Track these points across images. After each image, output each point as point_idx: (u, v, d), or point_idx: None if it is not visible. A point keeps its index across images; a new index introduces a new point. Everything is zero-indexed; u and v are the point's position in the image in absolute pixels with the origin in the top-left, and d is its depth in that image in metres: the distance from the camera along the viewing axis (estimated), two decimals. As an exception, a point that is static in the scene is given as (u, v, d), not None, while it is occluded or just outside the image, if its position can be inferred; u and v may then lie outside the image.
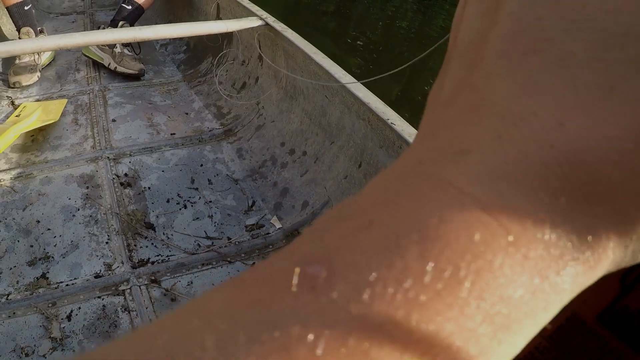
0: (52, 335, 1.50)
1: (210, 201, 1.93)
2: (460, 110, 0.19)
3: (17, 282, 1.62)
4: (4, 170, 2.02)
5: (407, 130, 1.51)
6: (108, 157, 2.09)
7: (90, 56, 2.79)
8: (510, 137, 0.17)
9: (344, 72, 1.85)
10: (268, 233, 1.84)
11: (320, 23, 4.97)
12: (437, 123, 0.20)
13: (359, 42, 4.76)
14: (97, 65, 2.78)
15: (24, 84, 2.56)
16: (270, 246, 1.79)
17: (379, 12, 5.50)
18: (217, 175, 2.06)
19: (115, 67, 2.69)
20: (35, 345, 1.47)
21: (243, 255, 1.76)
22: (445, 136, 0.19)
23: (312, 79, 1.98)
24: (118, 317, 1.55)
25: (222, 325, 0.15)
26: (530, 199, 0.16)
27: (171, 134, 2.28)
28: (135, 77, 2.71)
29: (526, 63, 0.18)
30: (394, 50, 4.71)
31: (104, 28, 2.77)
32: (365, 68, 4.23)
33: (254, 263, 1.73)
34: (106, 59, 2.73)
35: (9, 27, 2.93)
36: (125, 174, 2.02)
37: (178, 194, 1.95)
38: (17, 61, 2.57)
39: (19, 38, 2.63)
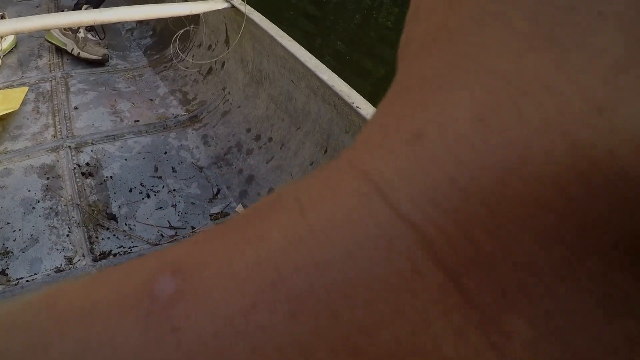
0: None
1: (174, 190, 1.93)
2: (429, 71, 0.14)
3: (-24, 279, 1.62)
4: None
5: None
6: (69, 147, 2.08)
7: (53, 42, 2.75)
8: (502, 123, 0.11)
9: (310, 55, 1.84)
10: (232, 221, 1.84)
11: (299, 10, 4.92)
12: (396, 90, 0.15)
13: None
14: (60, 52, 2.75)
15: None
16: None
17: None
18: (182, 162, 2.06)
19: (79, 53, 2.66)
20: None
21: None
22: (398, 111, 0.14)
23: (279, 63, 1.98)
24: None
25: None
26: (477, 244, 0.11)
27: (135, 121, 2.27)
28: (99, 63, 2.68)
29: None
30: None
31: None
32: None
33: None
34: (69, 45, 2.69)
35: None
36: (87, 164, 2.02)
37: (141, 183, 1.95)
38: None
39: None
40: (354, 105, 1.57)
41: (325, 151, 1.75)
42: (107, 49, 2.73)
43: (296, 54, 1.84)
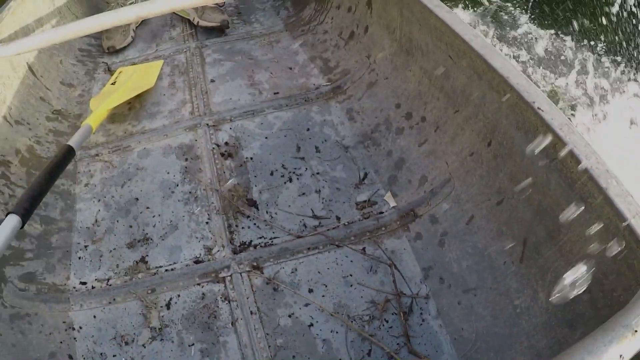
0: (151, 325, 1.51)
1: (318, 173, 1.84)
2: None
3: (117, 266, 1.65)
4: (101, 144, 2.05)
5: (558, 120, 1.27)
6: (207, 124, 2.06)
7: (178, 13, 2.76)
8: None
9: (474, 31, 1.60)
10: (381, 212, 1.72)
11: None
12: None
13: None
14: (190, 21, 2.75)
15: (117, 47, 2.59)
16: (383, 228, 1.68)
17: None
18: (325, 141, 1.96)
19: (198, 22, 2.64)
20: (135, 334, 1.50)
21: (352, 238, 1.66)
22: None
23: (433, 35, 1.78)
24: (218, 307, 1.52)
25: None
26: None
27: (274, 94, 2.20)
28: (220, 30, 2.64)
29: None
30: None
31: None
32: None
33: (364, 248, 1.63)
34: (192, 14, 2.68)
35: None
36: (226, 143, 1.98)
37: (282, 165, 1.88)
38: None
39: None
40: (535, 105, 1.33)
41: (489, 144, 1.55)
42: (225, 14, 2.67)
43: (456, 27, 1.63)
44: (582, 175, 1.18)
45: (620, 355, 0.77)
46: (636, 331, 0.80)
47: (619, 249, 1.10)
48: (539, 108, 1.31)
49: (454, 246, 1.57)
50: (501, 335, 1.37)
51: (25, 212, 1.41)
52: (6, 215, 1.37)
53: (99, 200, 1.84)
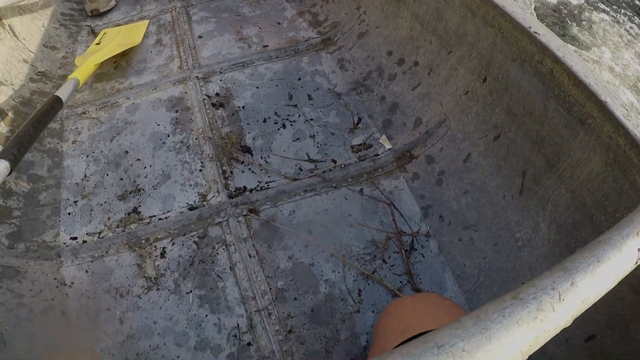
0: (146, 274, 1.44)
1: (311, 119, 1.77)
2: None
3: (109, 219, 1.58)
4: (88, 102, 1.97)
5: (555, 43, 1.24)
6: (197, 77, 1.98)
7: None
8: None
9: None
10: (377, 154, 1.66)
11: None
12: None
13: None
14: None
15: (102, 10, 2.50)
16: (380, 169, 1.62)
17: None
18: (317, 89, 1.89)
19: None
20: (129, 285, 1.43)
21: (350, 179, 1.60)
22: None
23: None
24: (215, 252, 1.46)
25: None
26: None
27: (264, 47, 2.13)
28: None
29: None
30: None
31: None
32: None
33: (362, 189, 1.57)
34: None
35: None
36: (217, 94, 1.90)
37: (275, 112, 1.81)
38: None
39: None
40: (531, 29, 1.29)
41: (484, 80, 1.50)
42: None
43: None
44: (581, 95, 1.14)
45: (638, 249, 0.73)
46: None
47: (620, 165, 1.07)
48: (535, 32, 1.28)
49: (452, 184, 1.52)
50: (504, 269, 1.33)
51: (14, 157, 1.34)
52: None
53: (87, 156, 1.76)
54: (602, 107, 1.09)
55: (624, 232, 0.75)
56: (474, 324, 0.62)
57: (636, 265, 0.75)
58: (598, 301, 1.22)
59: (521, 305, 0.63)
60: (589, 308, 1.16)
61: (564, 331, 1.30)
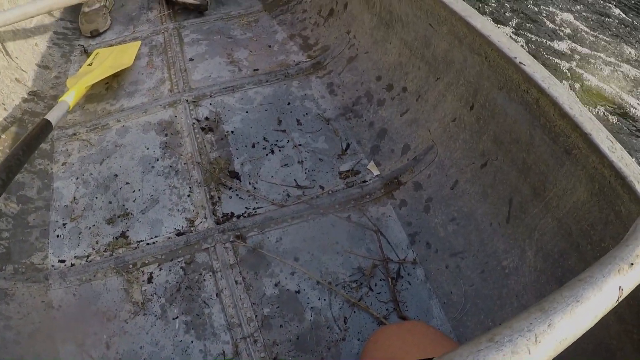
0: (133, 299, 1.44)
1: (300, 144, 1.78)
2: None
3: (97, 242, 1.57)
4: (79, 123, 1.97)
5: (540, 73, 1.25)
6: (187, 100, 1.99)
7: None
8: None
9: None
10: (365, 181, 1.67)
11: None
12: None
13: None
14: (169, 2, 2.66)
15: (101, 30, 2.50)
16: (368, 196, 1.63)
17: None
18: (307, 114, 1.90)
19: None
20: (116, 310, 1.43)
21: (337, 206, 1.61)
22: None
23: (413, 4, 1.74)
24: (202, 278, 1.46)
25: None
26: None
27: (254, 70, 2.14)
28: (198, 11, 2.56)
29: None
30: None
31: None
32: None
33: (349, 216, 1.58)
34: None
35: None
36: (206, 118, 1.91)
37: (264, 138, 1.81)
38: (85, 9, 2.49)
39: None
40: (516, 60, 1.31)
41: (472, 107, 1.52)
42: None
43: None
44: (566, 126, 1.16)
45: (620, 287, 0.74)
46: (632, 264, 0.76)
47: (606, 196, 1.08)
48: (520, 63, 1.29)
49: (439, 211, 1.53)
50: (490, 297, 1.33)
51: (2, 182, 1.35)
52: None
53: (77, 178, 1.76)
54: (587, 139, 1.10)
55: (605, 270, 0.76)
56: None
57: (617, 304, 0.75)
58: None
59: (496, 348, 0.63)
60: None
61: None
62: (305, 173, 1.70)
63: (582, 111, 1.14)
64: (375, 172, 1.68)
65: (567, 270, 1.18)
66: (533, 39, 3.64)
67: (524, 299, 1.26)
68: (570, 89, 3.19)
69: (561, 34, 3.70)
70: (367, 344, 1.19)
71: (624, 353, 1.04)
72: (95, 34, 2.50)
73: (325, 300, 1.39)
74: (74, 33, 2.54)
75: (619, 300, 0.75)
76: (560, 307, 0.69)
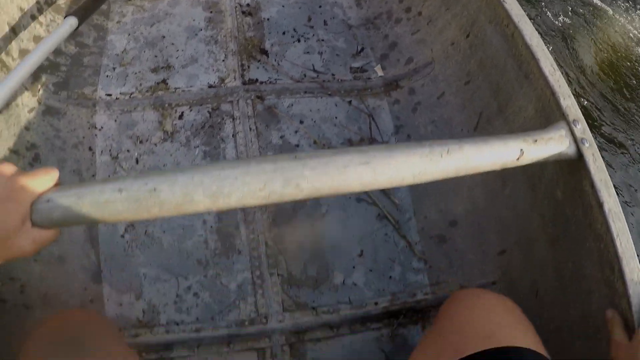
0: (164, 129, 1.76)
1: (323, 40, 2.08)
2: None
3: (140, 85, 1.88)
4: None
5: (516, 11, 1.50)
6: None
7: None
8: None
9: None
10: (369, 78, 1.97)
11: None
12: None
13: None
14: None
15: None
16: (369, 90, 1.94)
17: None
18: (334, 18, 2.19)
19: None
20: (149, 135, 1.75)
21: (342, 92, 1.92)
22: None
23: None
24: (223, 122, 1.78)
25: None
26: None
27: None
28: None
29: None
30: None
31: None
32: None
33: (350, 101, 1.89)
34: None
35: None
36: (248, 4, 2.20)
37: (294, 29, 2.11)
38: None
39: None
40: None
41: (467, 36, 1.79)
42: None
43: None
44: (528, 55, 1.40)
45: (521, 149, 1.00)
46: (536, 140, 1.03)
47: (546, 113, 1.33)
48: (504, 1, 1.55)
49: (424, 114, 1.83)
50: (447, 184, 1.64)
51: (82, 15, 1.64)
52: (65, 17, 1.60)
53: (129, 34, 2.05)
54: (537, 65, 1.36)
55: (515, 136, 1.03)
56: (385, 148, 0.92)
57: (518, 162, 1.00)
58: (511, 222, 1.57)
59: (420, 145, 0.93)
60: (505, 227, 1.52)
61: (481, 242, 1.67)
62: (323, 62, 2.00)
63: (538, 43, 1.39)
64: (380, 73, 1.98)
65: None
66: None
67: (473, 183, 1.59)
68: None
69: None
70: (449, 304, 1.13)
71: (540, 244, 1.33)
72: None
73: (317, 157, 1.72)
74: None
75: (519, 160, 1.01)
76: (471, 141, 0.97)
